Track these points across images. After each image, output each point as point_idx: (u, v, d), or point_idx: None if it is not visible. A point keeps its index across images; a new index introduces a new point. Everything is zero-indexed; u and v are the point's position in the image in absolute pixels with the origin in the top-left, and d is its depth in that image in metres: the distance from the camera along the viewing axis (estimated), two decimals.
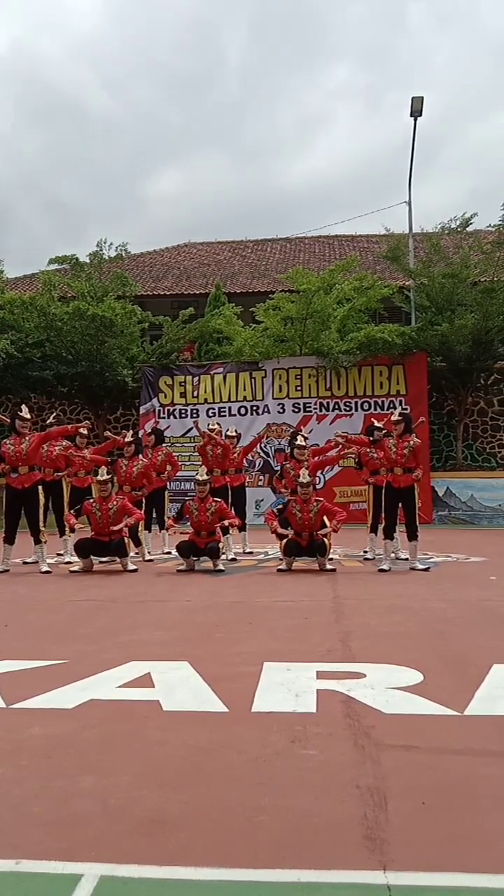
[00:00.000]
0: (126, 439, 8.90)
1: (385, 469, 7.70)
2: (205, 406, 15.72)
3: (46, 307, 15.74)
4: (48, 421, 9.62)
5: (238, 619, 4.80)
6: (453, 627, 4.50)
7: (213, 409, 15.62)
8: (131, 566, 7.57)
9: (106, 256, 17.02)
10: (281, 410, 15.40)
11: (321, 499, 7.81)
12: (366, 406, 15.04)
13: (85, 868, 1.69)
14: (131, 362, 16.14)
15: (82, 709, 2.89)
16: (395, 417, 7.63)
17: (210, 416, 14.71)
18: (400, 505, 7.51)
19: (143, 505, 8.67)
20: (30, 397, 16.73)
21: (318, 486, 9.95)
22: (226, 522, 7.77)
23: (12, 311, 15.90)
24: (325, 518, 7.52)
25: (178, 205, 62.45)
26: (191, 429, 14.49)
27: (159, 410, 16.02)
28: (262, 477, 15.09)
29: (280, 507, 7.91)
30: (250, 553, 9.19)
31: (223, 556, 7.93)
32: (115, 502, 7.63)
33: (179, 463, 10.28)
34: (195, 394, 15.88)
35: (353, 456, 8.81)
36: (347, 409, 15.20)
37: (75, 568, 7.66)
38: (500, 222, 15.38)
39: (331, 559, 7.68)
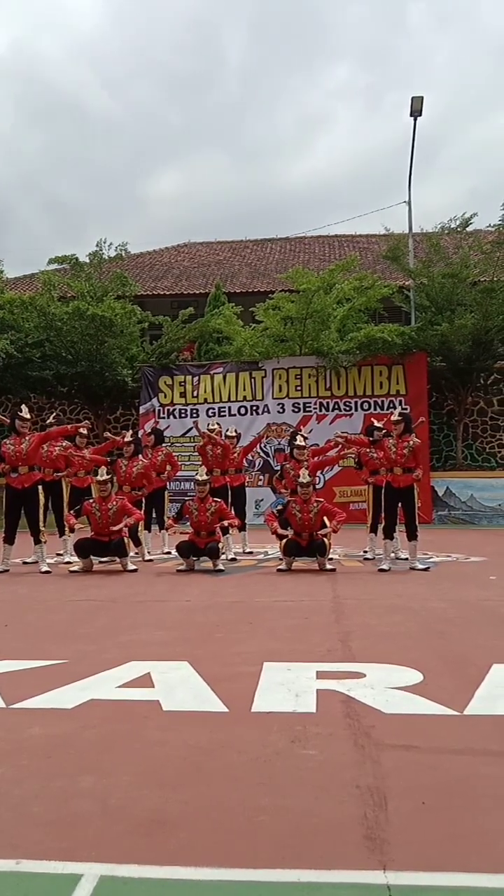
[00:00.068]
0: (125, 439, 8.90)
1: (385, 469, 7.71)
2: (205, 406, 15.72)
3: (46, 307, 15.73)
4: (48, 421, 9.62)
5: (238, 619, 4.80)
6: (453, 627, 4.50)
7: (213, 408, 15.62)
8: (131, 566, 7.57)
9: (106, 256, 17.01)
10: (281, 410, 15.40)
11: (321, 499, 7.82)
12: (366, 406, 15.04)
13: (85, 868, 1.69)
14: (131, 362, 16.13)
15: (82, 709, 2.89)
16: (394, 417, 7.63)
17: (210, 416, 14.71)
18: (400, 505, 7.51)
19: (143, 505, 8.67)
20: (29, 397, 16.73)
21: (317, 486, 9.95)
22: (225, 523, 7.77)
23: (12, 310, 15.90)
24: (325, 518, 7.52)
25: (178, 205, 62.50)
26: (190, 429, 14.49)
27: (159, 410, 16.02)
28: (261, 477, 15.09)
29: (280, 507, 7.91)
30: (250, 553, 9.19)
31: (223, 556, 7.93)
32: (114, 502, 7.63)
33: (179, 463, 10.28)
34: (195, 394, 15.87)
35: (352, 456, 8.81)
36: (347, 408, 15.20)
37: (75, 568, 7.66)
38: (499, 222, 15.39)
39: (330, 559, 7.69)
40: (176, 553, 7.90)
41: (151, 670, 3.42)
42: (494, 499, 14.61)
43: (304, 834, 1.84)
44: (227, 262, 22.41)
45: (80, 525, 8.08)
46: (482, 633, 4.33)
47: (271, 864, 1.70)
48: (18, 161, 64.16)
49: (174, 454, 10.08)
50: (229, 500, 8.76)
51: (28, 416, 7.89)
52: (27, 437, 7.72)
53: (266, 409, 15.47)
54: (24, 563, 8.09)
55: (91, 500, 7.83)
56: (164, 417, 15.85)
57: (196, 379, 15.94)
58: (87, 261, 16.91)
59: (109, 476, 7.77)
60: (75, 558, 7.80)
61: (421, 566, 7.40)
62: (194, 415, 15.29)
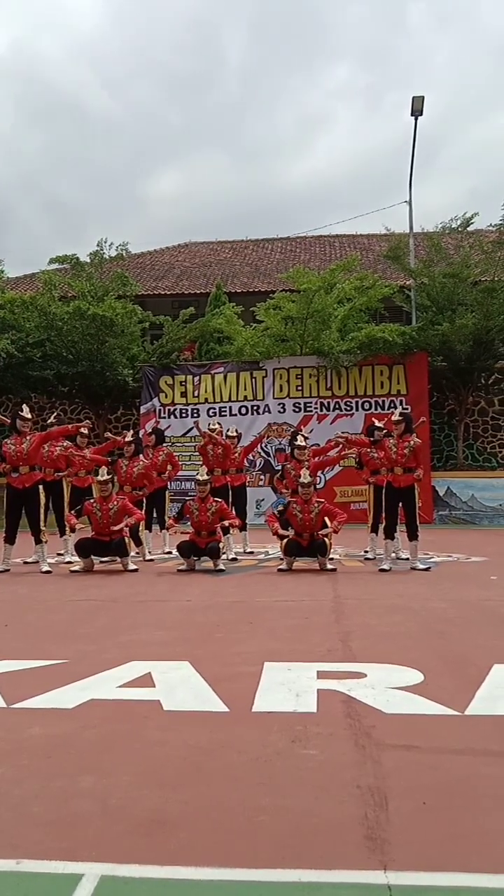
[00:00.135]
0: (126, 439, 8.91)
1: (385, 469, 7.70)
2: (205, 406, 15.72)
3: (47, 307, 15.74)
4: (49, 421, 9.61)
5: (238, 619, 4.80)
6: (454, 627, 4.49)
7: (214, 408, 15.62)
8: (132, 566, 7.57)
9: (106, 256, 17.03)
10: (281, 410, 15.40)
11: (322, 500, 7.82)
12: (366, 406, 15.04)
13: (85, 868, 1.69)
14: (132, 362, 16.14)
15: (82, 709, 2.89)
16: (395, 417, 7.63)
17: (211, 416, 14.71)
18: (400, 505, 7.51)
19: (144, 505, 8.67)
20: (30, 397, 16.73)
21: (318, 486, 9.94)
22: (226, 523, 7.76)
23: (13, 310, 15.90)
24: (325, 519, 7.52)
25: (178, 205, 62.49)
26: (191, 428, 14.49)
27: (160, 410, 16.03)
28: (262, 477, 15.09)
29: (281, 508, 7.91)
30: (251, 553, 9.19)
31: (224, 556, 7.93)
32: (115, 502, 7.63)
33: (180, 463, 10.28)
34: (196, 393, 15.88)
35: (353, 456, 8.81)
36: (348, 408, 15.20)
37: (76, 568, 7.66)
38: (500, 222, 15.39)
39: (331, 559, 7.69)
40: (176, 553, 7.90)
41: (152, 670, 3.42)
42: (495, 499, 14.61)
43: (304, 834, 1.84)
44: (227, 261, 22.41)
45: (81, 525, 8.09)
46: (483, 633, 4.33)
47: (271, 864, 1.70)
48: (18, 161, 64.21)
49: (175, 454, 10.08)
50: (230, 500, 8.76)
51: (29, 415, 7.89)
52: (28, 437, 7.73)
53: (267, 409, 15.47)
54: (25, 562, 8.09)
55: (92, 500, 7.83)
56: (164, 417, 15.85)
57: (197, 379, 15.94)
58: (88, 261, 16.92)
59: (110, 476, 7.77)
60: (76, 558, 7.80)
61: (422, 566, 7.39)
62: (195, 415, 15.29)
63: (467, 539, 11.34)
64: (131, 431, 10.15)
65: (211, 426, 9.55)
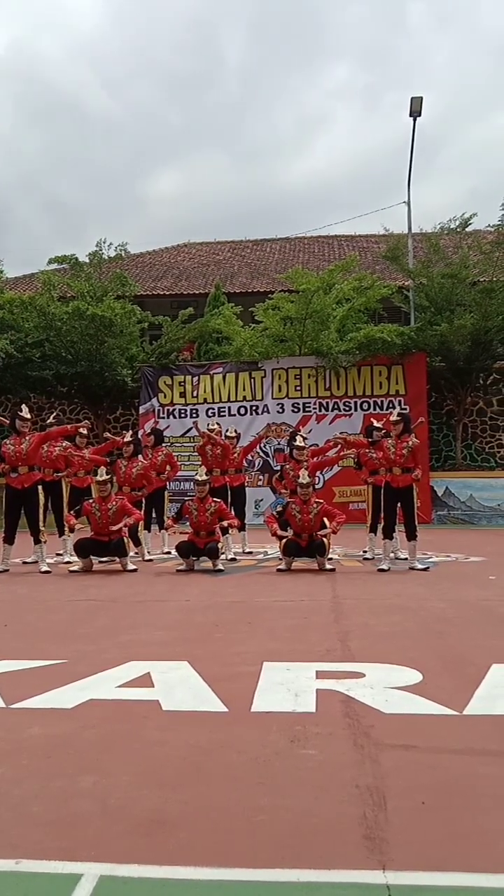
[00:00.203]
0: (125, 440, 8.91)
1: (384, 469, 7.71)
2: (204, 406, 15.72)
3: (46, 307, 15.73)
4: (48, 421, 9.62)
5: (237, 619, 4.80)
6: (452, 627, 4.50)
7: (213, 409, 15.62)
8: (131, 566, 7.57)
9: (105, 256, 17.00)
10: (280, 410, 15.40)
11: (321, 500, 7.82)
12: (365, 406, 15.05)
13: (85, 868, 1.69)
14: (131, 362, 16.13)
15: (82, 709, 2.89)
16: (393, 417, 7.63)
17: (210, 416, 14.71)
18: (399, 505, 7.51)
19: (143, 505, 8.67)
20: (29, 397, 16.72)
21: (317, 487, 9.95)
22: (225, 523, 7.77)
23: (12, 310, 15.89)
24: (324, 519, 7.53)
25: (177, 205, 62.48)
26: (190, 429, 14.49)
27: (159, 410, 16.02)
28: (261, 477, 15.09)
29: (280, 508, 7.91)
30: (250, 553, 9.19)
31: (223, 556, 7.94)
32: (114, 502, 7.63)
33: (179, 463, 10.28)
34: (195, 394, 15.88)
35: (352, 456, 8.82)
36: (347, 409, 15.20)
37: (75, 568, 7.66)
38: (499, 222, 15.41)
39: (330, 559, 7.69)
40: (175, 553, 7.91)
41: (151, 670, 3.42)
42: (494, 499, 14.62)
43: (303, 834, 1.85)
44: (226, 262, 22.41)
45: (80, 525, 8.09)
46: (481, 632, 4.34)
47: (271, 864, 1.70)
48: (18, 161, 64.17)
49: (174, 454, 10.08)
50: (229, 500, 8.77)
51: (28, 415, 7.89)
52: (27, 437, 7.73)
53: (266, 410, 15.47)
54: (24, 562, 8.09)
55: (91, 500, 7.83)
56: (163, 417, 15.85)
57: (196, 379, 15.94)
58: (87, 261, 16.90)
59: (109, 476, 7.77)
60: (75, 558, 7.80)
61: (420, 566, 7.40)
62: (194, 415, 15.29)
63: (466, 539, 11.35)
64: (130, 432, 10.15)
65: (210, 426, 9.55)
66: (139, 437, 10.61)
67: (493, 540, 11.12)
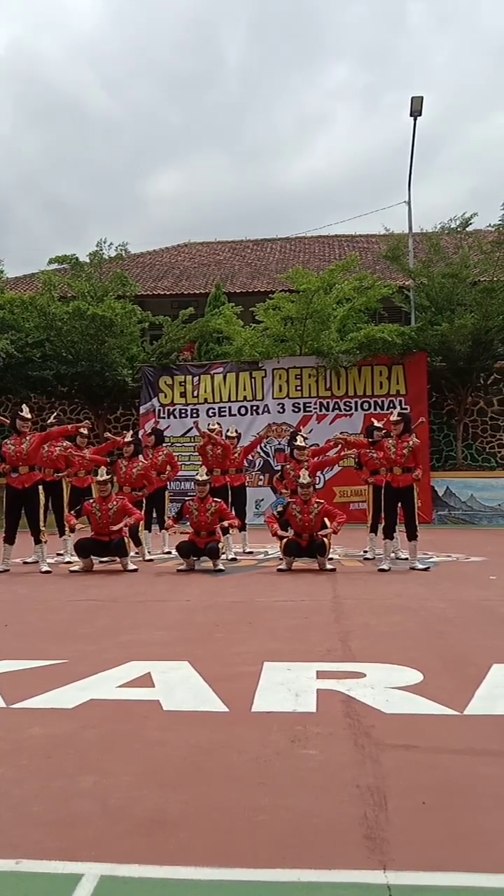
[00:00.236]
0: (126, 440, 8.91)
1: (385, 469, 7.71)
2: (205, 406, 15.72)
3: (46, 307, 15.74)
4: (48, 421, 9.62)
5: (238, 619, 4.80)
6: (453, 627, 4.50)
7: (213, 408, 15.62)
8: (131, 566, 7.57)
9: (106, 256, 17.01)
10: (281, 410, 15.40)
11: (322, 500, 7.82)
12: (365, 406, 15.05)
13: (85, 868, 1.69)
14: (131, 362, 16.13)
15: (82, 709, 2.89)
16: (394, 417, 7.63)
17: (210, 416, 14.71)
18: (399, 505, 7.51)
19: (144, 505, 8.67)
20: (30, 397, 16.72)
21: (318, 487, 9.95)
22: (225, 523, 7.77)
23: (12, 310, 15.90)
24: (325, 519, 7.53)
25: (177, 205, 62.47)
26: (191, 429, 14.49)
27: (159, 410, 16.02)
28: (262, 477, 15.09)
29: (280, 508, 7.91)
30: (250, 553, 9.19)
31: (223, 556, 7.93)
32: (114, 502, 7.64)
33: (179, 463, 10.28)
34: (195, 394, 15.88)
35: (352, 456, 8.82)
36: (347, 408, 15.20)
37: (75, 568, 7.66)
38: (499, 222, 15.40)
39: (331, 559, 7.69)
40: (176, 553, 7.91)
41: (151, 670, 3.42)
42: (494, 499, 14.62)
43: (304, 834, 1.84)
44: (227, 262, 22.41)
45: (81, 525, 8.09)
46: (482, 632, 4.34)
47: (271, 864, 1.70)
48: (18, 161, 64.15)
49: (174, 454, 10.08)
50: (229, 500, 8.76)
51: (28, 415, 7.90)
52: (28, 437, 7.73)
53: (266, 409, 15.47)
54: (25, 562, 8.09)
55: (91, 500, 7.83)
56: (164, 417, 15.85)
57: (196, 379, 15.94)
58: (88, 261, 16.91)
59: (109, 476, 7.77)
60: (75, 558, 7.80)
61: (421, 566, 7.40)
62: (194, 415, 15.29)
63: (466, 539, 11.35)
64: (131, 432, 10.15)
65: (210, 426, 9.56)
66: (140, 437, 10.61)
67: (494, 540, 11.12)
